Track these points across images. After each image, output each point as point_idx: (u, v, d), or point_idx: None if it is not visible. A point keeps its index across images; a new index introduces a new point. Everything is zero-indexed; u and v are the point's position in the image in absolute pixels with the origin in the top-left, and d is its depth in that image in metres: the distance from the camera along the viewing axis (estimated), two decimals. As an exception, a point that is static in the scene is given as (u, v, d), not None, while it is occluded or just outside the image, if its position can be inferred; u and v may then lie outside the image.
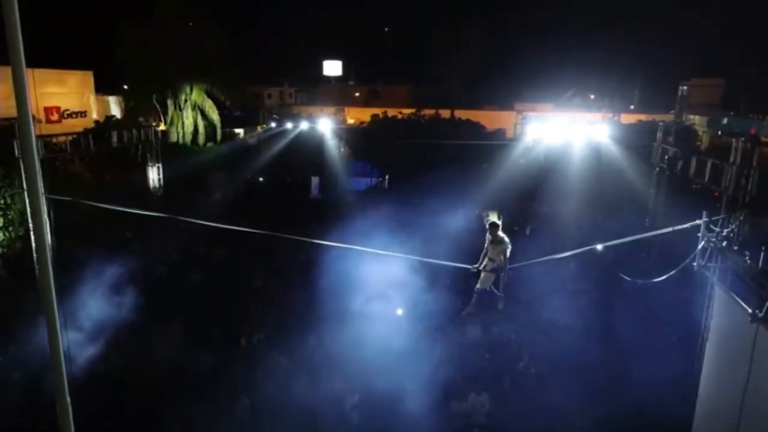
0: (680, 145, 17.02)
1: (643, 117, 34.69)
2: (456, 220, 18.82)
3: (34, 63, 28.32)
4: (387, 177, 28.70)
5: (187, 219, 8.84)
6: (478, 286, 10.11)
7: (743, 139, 10.80)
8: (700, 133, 33.37)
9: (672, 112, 41.47)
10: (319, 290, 14.77)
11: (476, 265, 9.96)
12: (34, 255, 12.25)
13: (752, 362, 7.07)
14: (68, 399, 3.43)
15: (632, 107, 46.29)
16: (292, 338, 13.68)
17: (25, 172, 2.84)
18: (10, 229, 16.48)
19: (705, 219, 8.16)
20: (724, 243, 7.78)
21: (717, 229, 8.02)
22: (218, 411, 11.67)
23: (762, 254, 6.75)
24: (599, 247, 9.67)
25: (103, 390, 11.67)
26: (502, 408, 11.53)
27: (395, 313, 14.33)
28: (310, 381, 12.36)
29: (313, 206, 25.55)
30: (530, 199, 22.67)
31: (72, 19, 39.97)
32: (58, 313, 2.90)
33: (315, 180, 28.33)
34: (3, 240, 16.50)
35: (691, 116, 39.27)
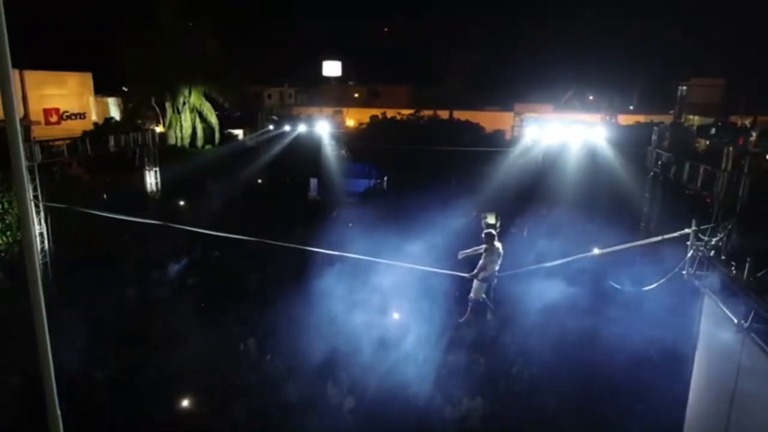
0: (677, 147, 16.95)
1: (641, 118, 34.53)
2: (454, 221, 18.83)
3: (33, 64, 28.34)
4: (385, 178, 28.73)
5: (179, 227, 8.91)
6: (471, 295, 10.17)
7: (731, 149, 10.82)
8: (699, 135, 33.28)
9: (672, 112, 41.35)
10: (315, 293, 14.83)
11: (472, 273, 9.99)
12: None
13: (739, 372, 7.12)
14: (58, 407, 3.45)
15: (632, 108, 46.13)
16: (287, 341, 13.74)
17: (13, 176, 2.84)
18: (8, 233, 16.57)
19: (694, 228, 8.18)
20: (713, 252, 7.79)
21: (706, 238, 8.03)
22: (215, 413, 11.77)
23: (747, 264, 6.77)
24: (595, 251, 9.72)
25: (96, 393, 11.77)
26: (497, 412, 11.60)
27: (391, 318, 14.39)
28: (305, 384, 12.44)
29: (311, 207, 25.64)
30: (528, 201, 22.67)
31: (72, 20, 39.98)
32: (48, 317, 2.93)
33: (313, 181, 28.40)
34: (1, 244, 16.59)
35: (691, 116, 39.14)
